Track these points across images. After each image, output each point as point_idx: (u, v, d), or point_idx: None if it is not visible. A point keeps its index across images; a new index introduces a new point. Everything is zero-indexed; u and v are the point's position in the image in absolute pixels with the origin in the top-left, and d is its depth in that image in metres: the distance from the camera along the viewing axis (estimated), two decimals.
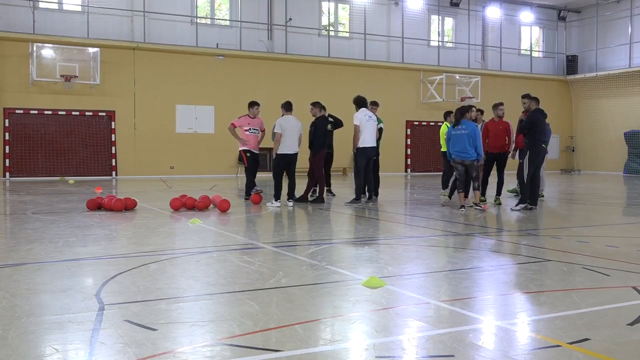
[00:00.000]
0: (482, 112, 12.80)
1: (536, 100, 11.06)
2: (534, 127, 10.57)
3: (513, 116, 12.69)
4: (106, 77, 20.65)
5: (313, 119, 12.11)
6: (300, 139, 11.58)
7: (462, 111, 10.69)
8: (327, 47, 24.29)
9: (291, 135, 11.29)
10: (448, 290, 4.76)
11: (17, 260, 5.88)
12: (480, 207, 10.53)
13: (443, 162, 13.30)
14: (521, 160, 10.76)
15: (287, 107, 11.65)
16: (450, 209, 10.81)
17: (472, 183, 10.74)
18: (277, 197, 11.18)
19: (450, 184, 12.40)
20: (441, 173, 13.75)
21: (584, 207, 12.28)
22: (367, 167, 11.67)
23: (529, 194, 10.68)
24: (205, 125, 22.21)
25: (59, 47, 20.05)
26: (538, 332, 3.63)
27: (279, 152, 11.30)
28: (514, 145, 12.05)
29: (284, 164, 11.41)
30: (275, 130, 11.42)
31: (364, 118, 11.43)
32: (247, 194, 12.10)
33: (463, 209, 10.45)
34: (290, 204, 11.44)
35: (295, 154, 11.49)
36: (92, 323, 3.73)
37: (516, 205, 10.75)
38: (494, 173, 12.16)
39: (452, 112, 13.49)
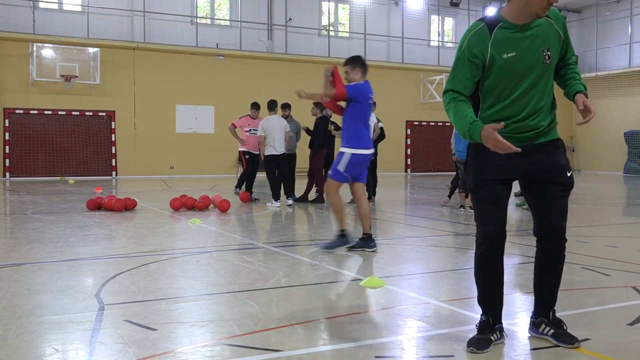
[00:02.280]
0: None
1: None
2: None
3: None
4: (106, 77, 20.65)
5: (313, 118, 12.11)
6: (287, 137, 11.43)
7: None
8: (327, 47, 24.29)
9: (274, 136, 11.10)
10: (448, 290, 4.77)
11: (17, 260, 5.88)
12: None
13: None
14: None
15: (271, 106, 11.46)
16: (450, 209, 10.81)
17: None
18: (275, 197, 11.16)
19: (451, 184, 12.41)
20: (441, 173, 13.73)
21: (584, 207, 12.28)
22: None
23: None
24: (205, 125, 22.20)
25: (59, 47, 20.05)
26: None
27: (266, 153, 11.22)
28: None
29: (273, 165, 11.30)
30: (258, 133, 11.35)
31: None
32: (238, 187, 12.06)
33: (463, 209, 10.46)
34: (290, 201, 11.41)
35: (283, 154, 11.31)
36: (92, 323, 3.74)
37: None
38: None
39: None
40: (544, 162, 3.27)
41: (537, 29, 3.16)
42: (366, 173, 6.60)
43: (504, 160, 3.23)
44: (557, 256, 3.37)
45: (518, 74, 3.17)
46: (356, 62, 6.49)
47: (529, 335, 3.52)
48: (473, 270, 3.43)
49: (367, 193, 11.85)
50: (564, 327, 3.40)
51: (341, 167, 6.23)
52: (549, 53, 3.18)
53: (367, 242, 6.32)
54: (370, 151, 6.41)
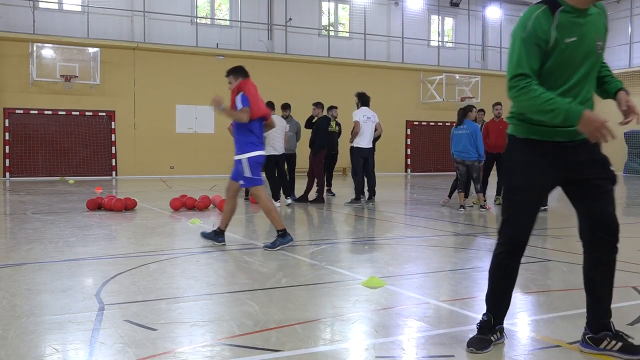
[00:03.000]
0: (483, 111, 12.85)
1: None
2: None
3: None
4: (106, 77, 20.64)
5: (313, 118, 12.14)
6: (286, 137, 11.45)
7: (465, 111, 10.70)
8: (327, 47, 24.29)
9: (274, 137, 11.11)
10: (448, 290, 4.76)
11: (17, 260, 5.88)
12: (486, 207, 10.53)
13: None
14: None
15: (269, 106, 11.50)
16: (450, 209, 10.81)
17: (474, 185, 10.72)
18: (275, 197, 11.16)
19: (451, 184, 12.40)
20: (441, 173, 13.74)
21: None
22: (365, 166, 11.69)
23: None
24: (205, 125, 22.20)
25: (59, 47, 20.04)
26: (538, 332, 3.63)
27: (265, 154, 11.18)
28: None
29: (273, 165, 11.27)
30: None
31: (362, 118, 11.44)
32: (247, 193, 12.13)
33: (463, 209, 10.46)
34: (289, 201, 11.40)
35: (282, 155, 11.34)
36: (92, 323, 3.73)
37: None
38: (493, 173, 12.16)
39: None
40: (589, 158, 3.13)
41: (592, 17, 3.08)
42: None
43: (551, 159, 3.11)
44: (613, 255, 3.24)
45: (576, 61, 3.05)
46: (238, 72, 6.83)
47: (583, 350, 3.22)
48: (489, 266, 3.37)
49: (367, 193, 11.92)
50: (628, 337, 3.18)
51: (247, 173, 6.59)
52: (600, 43, 3.10)
53: (284, 238, 6.56)
54: (261, 152, 6.72)
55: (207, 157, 22.02)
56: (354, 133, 11.39)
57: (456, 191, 11.58)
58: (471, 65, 27.31)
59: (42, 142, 20.11)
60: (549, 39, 2.98)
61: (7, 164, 19.69)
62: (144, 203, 11.43)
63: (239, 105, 6.51)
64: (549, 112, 2.93)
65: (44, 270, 5.42)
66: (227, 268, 5.62)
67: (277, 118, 11.41)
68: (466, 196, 10.80)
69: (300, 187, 12.46)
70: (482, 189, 10.88)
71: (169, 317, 3.93)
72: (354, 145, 11.49)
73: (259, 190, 6.66)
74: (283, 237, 6.53)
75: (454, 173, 12.27)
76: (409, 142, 26.01)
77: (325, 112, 12.59)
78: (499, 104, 12.26)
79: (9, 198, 13.32)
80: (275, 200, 11.10)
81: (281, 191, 11.51)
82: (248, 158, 6.59)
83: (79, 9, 21.03)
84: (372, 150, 11.82)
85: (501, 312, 3.36)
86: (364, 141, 11.46)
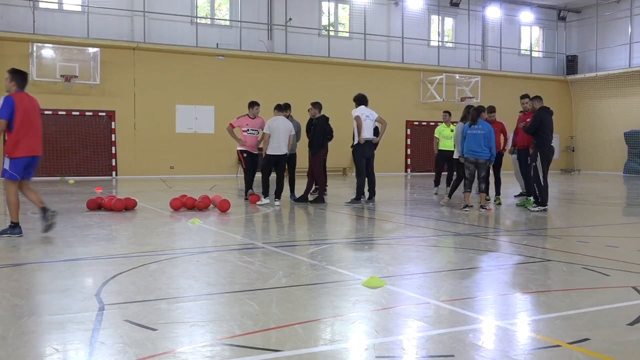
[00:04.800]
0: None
1: (539, 98, 11.01)
2: (542, 127, 10.44)
3: (513, 116, 12.67)
4: (106, 77, 20.63)
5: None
6: (291, 140, 11.56)
7: (479, 111, 10.69)
8: (327, 47, 24.28)
9: (279, 137, 11.30)
10: (448, 290, 4.76)
11: (17, 260, 5.88)
12: (486, 208, 10.52)
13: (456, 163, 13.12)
14: (534, 164, 10.56)
15: (278, 108, 11.74)
16: (450, 209, 10.81)
17: (479, 184, 10.71)
18: (265, 194, 11.49)
19: (451, 184, 12.38)
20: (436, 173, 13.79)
21: (584, 207, 12.28)
22: (366, 166, 11.69)
23: (539, 194, 10.56)
24: (205, 125, 22.20)
25: (59, 47, 20.04)
26: (538, 332, 3.63)
27: (268, 152, 11.38)
28: (510, 142, 12.08)
29: (272, 164, 11.54)
30: (264, 131, 11.49)
31: (361, 116, 11.45)
32: (246, 194, 12.17)
33: (467, 209, 10.44)
34: (277, 203, 11.42)
35: (285, 155, 11.52)
36: (92, 323, 3.73)
37: (534, 207, 10.54)
38: (492, 173, 12.16)
39: (449, 112, 13.51)
40: None
41: None
42: (32, 173, 7.40)
43: None
44: None
45: None
46: (15, 75, 7.23)
47: None
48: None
49: (367, 193, 11.91)
50: None
51: (6, 166, 7.16)
52: None
53: (13, 229, 7.19)
54: (31, 153, 7.22)
55: (207, 157, 22.02)
56: (358, 126, 11.37)
57: (451, 191, 11.62)
58: (471, 65, 27.30)
59: (42, 142, 20.05)
60: None
61: None
62: (144, 203, 11.43)
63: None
64: None
65: (44, 270, 5.42)
66: (227, 268, 5.62)
67: (282, 120, 11.49)
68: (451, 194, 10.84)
69: (300, 187, 12.46)
70: (486, 190, 10.90)
71: (169, 317, 3.93)
72: (363, 137, 11.38)
73: (9, 184, 7.16)
74: (13, 228, 7.15)
75: (454, 173, 12.28)
76: (409, 142, 26.00)
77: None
78: (493, 110, 12.24)
79: None
80: (265, 196, 11.31)
81: (273, 191, 11.60)
82: (10, 160, 7.09)
83: (79, 9, 21.02)
84: (373, 150, 11.83)
85: None
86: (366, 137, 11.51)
